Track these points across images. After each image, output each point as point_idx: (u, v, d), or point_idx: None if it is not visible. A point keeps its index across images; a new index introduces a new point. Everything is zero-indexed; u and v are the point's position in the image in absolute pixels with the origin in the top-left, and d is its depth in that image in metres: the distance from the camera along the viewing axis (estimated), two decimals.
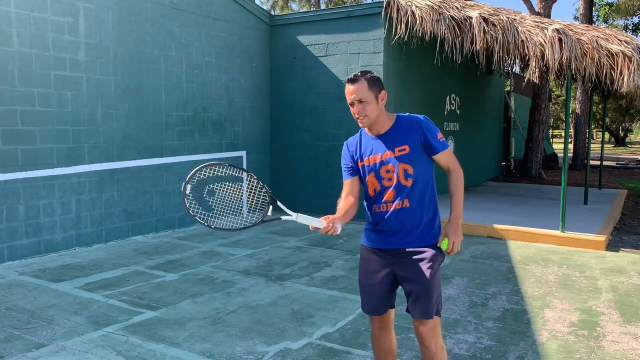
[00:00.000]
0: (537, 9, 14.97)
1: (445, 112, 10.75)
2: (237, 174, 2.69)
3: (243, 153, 8.77)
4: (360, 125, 2.60)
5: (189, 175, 2.64)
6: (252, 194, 2.71)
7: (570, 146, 24.98)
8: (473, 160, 12.52)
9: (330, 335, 3.85)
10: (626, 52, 6.39)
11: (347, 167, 2.70)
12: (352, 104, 2.55)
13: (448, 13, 7.29)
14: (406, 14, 7.60)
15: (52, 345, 3.65)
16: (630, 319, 4.25)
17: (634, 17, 24.04)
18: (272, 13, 20.44)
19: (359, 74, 2.55)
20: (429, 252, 2.54)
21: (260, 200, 2.74)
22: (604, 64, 6.53)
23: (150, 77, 7.16)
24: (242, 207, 2.78)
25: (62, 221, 6.27)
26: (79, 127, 6.39)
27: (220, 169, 2.69)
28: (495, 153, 15.07)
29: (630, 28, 24.53)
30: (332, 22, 8.55)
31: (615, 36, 6.68)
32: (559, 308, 4.48)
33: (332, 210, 2.46)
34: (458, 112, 11.42)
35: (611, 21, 25.49)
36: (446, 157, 2.60)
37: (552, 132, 39.29)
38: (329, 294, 4.78)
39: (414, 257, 2.53)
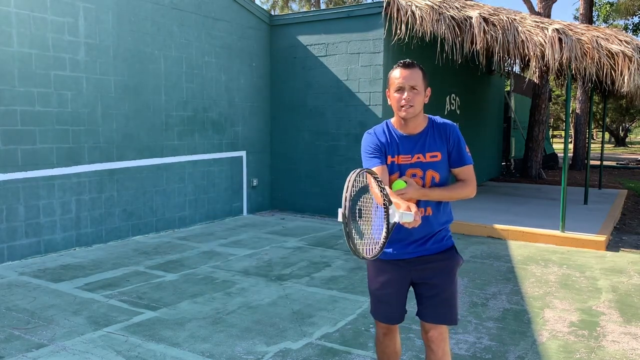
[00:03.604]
0: (537, 9, 14.97)
1: (445, 112, 10.74)
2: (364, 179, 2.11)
3: (243, 153, 8.77)
4: (402, 114, 2.37)
5: (347, 199, 1.96)
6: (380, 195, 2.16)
7: (570, 146, 24.97)
8: (473, 160, 12.49)
9: (330, 335, 3.84)
10: (626, 52, 6.39)
11: (376, 155, 2.41)
12: (400, 89, 2.35)
13: (448, 13, 7.29)
14: (406, 13, 7.60)
15: (52, 345, 3.64)
16: (630, 319, 4.24)
17: (634, 17, 24.04)
18: (272, 13, 20.43)
19: (414, 61, 2.38)
20: (449, 257, 2.48)
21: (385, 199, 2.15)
22: (604, 64, 6.52)
23: (150, 77, 7.16)
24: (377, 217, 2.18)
25: (62, 221, 6.27)
26: (79, 127, 6.39)
27: (359, 179, 2.06)
28: (495, 153, 15.06)
29: (630, 28, 24.52)
30: (332, 22, 8.55)
31: (615, 36, 6.67)
32: (559, 308, 4.48)
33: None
34: (458, 112, 11.42)
35: (611, 21, 25.49)
36: (467, 173, 2.48)
37: (552, 132, 39.28)
38: (329, 294, 4.78)
39: (435, 263, 2.46)
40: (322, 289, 4.90)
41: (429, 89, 2.44)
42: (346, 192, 1.96)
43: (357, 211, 2.04)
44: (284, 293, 4.79)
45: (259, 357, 3.48)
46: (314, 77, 8.78)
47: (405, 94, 2.35)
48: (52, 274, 5.34)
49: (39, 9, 5.91)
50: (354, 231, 1.97)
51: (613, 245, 6.91)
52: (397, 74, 2.38)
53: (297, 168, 9.10)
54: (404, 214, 2.08)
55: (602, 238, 6.69)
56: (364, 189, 2.09)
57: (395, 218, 2.09)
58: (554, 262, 6.01)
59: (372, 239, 2.12)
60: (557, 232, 6.95)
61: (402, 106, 2.36)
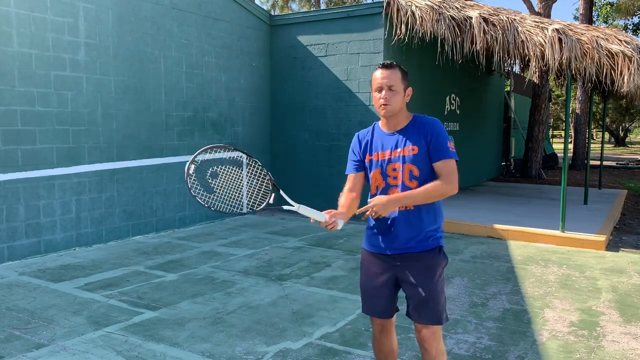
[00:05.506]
0: (537, 9, 14.97)
1: (445, 112, 10.75)
2: (240, 158, 2.65)
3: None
4: (381, 113, 2.49)
5: (193, 156, 2.57)
6: (254, 179, 2.65)
7: (570, 146, 24.97)
8: (473, 160, 12.52)
9: (330, 335, 3.85)
10: (626, 52, 6.39)
11: (354, 161, 2.63)
12: (380, 89, 2.46)
13: (448, 13, 7.29)
14: (406, 14, 7.60)
15: (52, 345, 3.65)
16: (630, 319, 4.25)
17: (634, 17, 24.05)
18: (272, 13, 20.44)
19: (394, 62, 2.49)
20: (432, 257, 2.51)
21: (263, 186, 2.66)
22: (604, 64, 6.52)
23: (150, 77, 7.16)
24: (243, 192, 2.71)
25: (62, 221, 6.27)
26: (79, 127, 6.39)
27: (224, 152, 2.61)
28: (495, 153, 15.07)
29: (630, 28, 24.55)
30: (332, 22, 8.55)
31: (615, 36, 6.67)
32: (559, 308, 4.48)
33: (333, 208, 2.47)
34: (458, 112, 11.42)
35: (611, 21, 25.50)
36: (447, 167, 2.43)
37: (552, 132, 39.27)
38: (329, 294, 4.78)
39: (417, 261, 2.50)
40: (322, 289, 4.90)
41: (409, 88, 2.52)
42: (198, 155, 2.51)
43: (209, 173, 2.57)
44: (284, 293, 4.80)
45: (259, 357, 3.48)
46: (314, 77, 8.78)
47: (383, 92, 2.46)
48: (52, 274, 5.34)
49: (39, 9, 5.91)
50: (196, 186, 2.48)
51: (613, 245, 6.92)
52: (377, 74, 2.50)
53: (297, 168, 9.10)
54: (317, 213, 2.45)
55: (602, 238, 6.69)
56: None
57: (305, 212, 2.47)
58: (554, 262, 6.01)
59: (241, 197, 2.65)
60: (557, 232, 6.95)
61: (380, 105, 2.48)
